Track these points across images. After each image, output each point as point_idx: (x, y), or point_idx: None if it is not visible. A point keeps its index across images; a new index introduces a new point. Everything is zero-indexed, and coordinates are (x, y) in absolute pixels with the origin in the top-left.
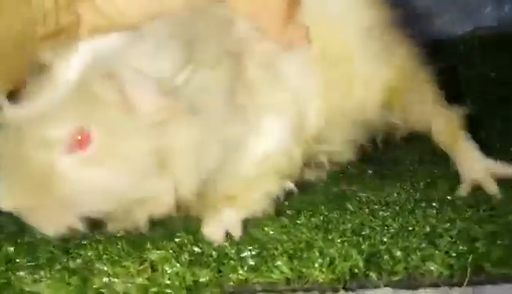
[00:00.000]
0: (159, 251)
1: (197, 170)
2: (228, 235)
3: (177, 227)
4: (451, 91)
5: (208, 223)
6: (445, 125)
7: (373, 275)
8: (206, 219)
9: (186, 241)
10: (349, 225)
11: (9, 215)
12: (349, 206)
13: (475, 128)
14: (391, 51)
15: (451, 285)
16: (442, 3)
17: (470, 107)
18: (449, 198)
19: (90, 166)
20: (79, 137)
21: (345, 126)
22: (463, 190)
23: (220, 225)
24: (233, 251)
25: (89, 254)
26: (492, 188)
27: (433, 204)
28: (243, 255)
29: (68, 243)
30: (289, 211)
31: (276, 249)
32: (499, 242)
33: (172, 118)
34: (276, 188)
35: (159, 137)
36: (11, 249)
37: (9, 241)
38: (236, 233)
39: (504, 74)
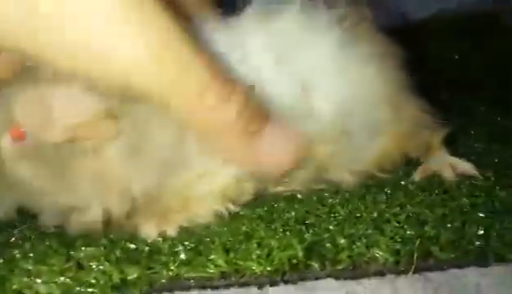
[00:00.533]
0: (88, 249)
1: (127, 193)
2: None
3: None
4: (416, 75)
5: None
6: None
7: (315, 265)
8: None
9: (120, 237)
10: (293, 214)
11: None
12: (298, 194)
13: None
14: (394, 119)
15: (397, 273)
16: None
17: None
18: (402, 183)
19: (26, 158)
20: (22, 129)
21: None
22: (417, 175)
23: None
24: (166, 246)
25: (14, 252)
26: (449, 174)
27: (385, 190)
28: (176, 249)
29: None
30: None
31: (213, 242)
32: (449, 225)
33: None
34: (221, 207)
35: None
36: None
37: None
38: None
39: (467, 57)
